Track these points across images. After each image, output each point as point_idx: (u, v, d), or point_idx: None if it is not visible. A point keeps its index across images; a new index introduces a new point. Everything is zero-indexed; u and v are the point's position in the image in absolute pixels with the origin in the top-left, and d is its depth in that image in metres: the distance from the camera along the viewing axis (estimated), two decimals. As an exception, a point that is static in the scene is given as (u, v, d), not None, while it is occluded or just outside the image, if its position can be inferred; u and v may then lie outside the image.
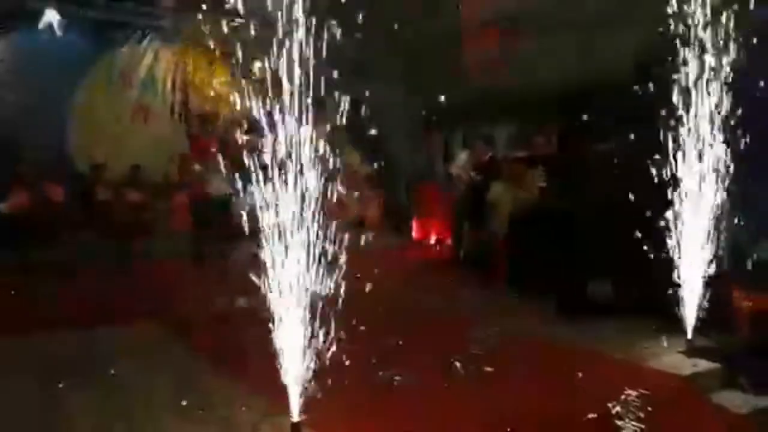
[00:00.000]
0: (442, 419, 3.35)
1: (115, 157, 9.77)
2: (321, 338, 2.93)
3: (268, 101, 2.89)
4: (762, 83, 4.51)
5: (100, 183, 9.29)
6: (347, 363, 3.11)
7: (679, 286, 4.52)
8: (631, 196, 5.34)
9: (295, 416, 2.94)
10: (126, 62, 10.35)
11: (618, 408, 3.55)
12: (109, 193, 9.30)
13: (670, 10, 4.48)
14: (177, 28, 10.65)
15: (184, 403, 3.51)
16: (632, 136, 5.74)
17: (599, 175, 6.13)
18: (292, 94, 2.85)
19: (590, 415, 3.47)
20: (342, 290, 3.00)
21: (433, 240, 10.85)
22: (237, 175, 3.13)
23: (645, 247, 4.61)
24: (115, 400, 3.67)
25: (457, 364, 4.09)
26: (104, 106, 10.07)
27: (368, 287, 3.74)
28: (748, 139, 4.40)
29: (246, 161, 2.93)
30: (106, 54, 10.25)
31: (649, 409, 3.53)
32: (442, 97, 11.91)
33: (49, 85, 9.46)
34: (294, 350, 2.89)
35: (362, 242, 3.39)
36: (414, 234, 10.94)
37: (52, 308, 5.80)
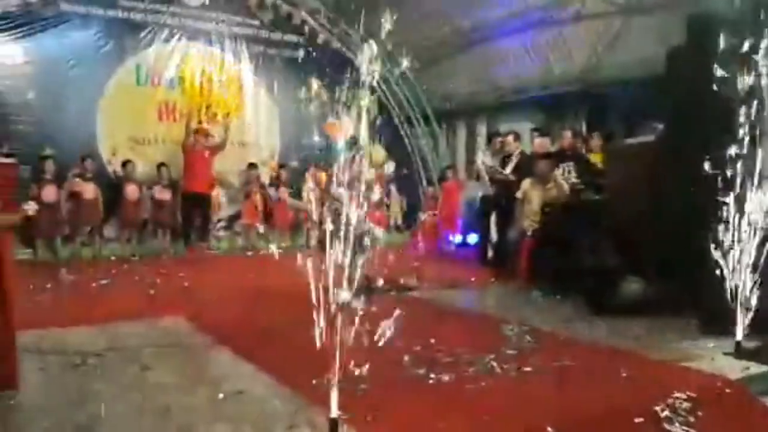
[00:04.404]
0: (480, 418, 3.21)
1: (143, 156, 9.82)
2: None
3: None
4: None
5: (129, 180, 9.30)
6: (381, 359, 2.95)
7: (723, 282, 4.29)
8: (669, 191, 5.17)
9: (334, 412, 2.77)
10: (154, 62, 10.25)
11: (664, 412, 3.38)
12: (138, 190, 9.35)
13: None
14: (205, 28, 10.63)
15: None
16: (670, 130, 5.55)
17: (632, 170, 5.94)
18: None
19: (636, 420, 3.30)
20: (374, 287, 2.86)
21: (458, 238, 10.71)
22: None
23: (684, 241, 4.39)
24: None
25: (493, 363, 3.95)
26: (132, 106, 10.01)
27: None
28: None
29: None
30: (135, 53, 10.18)
31: (698, 413, 3.35)
32: (465, 92, 11.80)
33: (77, 83, 9.50)
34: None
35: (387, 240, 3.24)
36: (439, 232, 10.80)
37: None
